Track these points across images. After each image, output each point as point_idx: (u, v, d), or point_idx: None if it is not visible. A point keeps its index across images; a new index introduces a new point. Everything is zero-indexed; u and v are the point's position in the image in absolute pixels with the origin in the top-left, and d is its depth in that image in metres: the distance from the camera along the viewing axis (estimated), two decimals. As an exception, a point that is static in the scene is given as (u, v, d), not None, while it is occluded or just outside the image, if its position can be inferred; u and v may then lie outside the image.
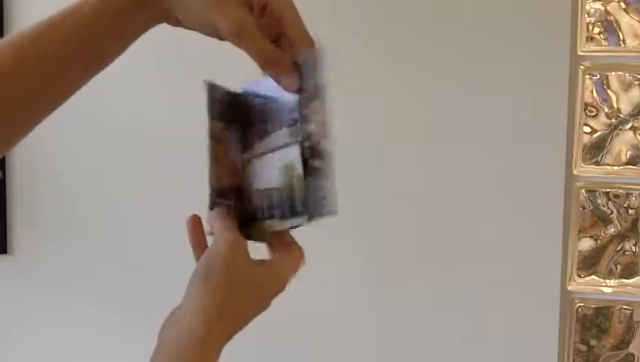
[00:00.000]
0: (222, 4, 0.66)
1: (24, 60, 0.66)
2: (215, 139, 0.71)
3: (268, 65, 0.68)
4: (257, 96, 0.72)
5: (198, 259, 0.69)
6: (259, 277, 0.67)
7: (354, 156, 1.48)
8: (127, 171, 1.61)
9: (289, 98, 0.70)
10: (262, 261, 0.69)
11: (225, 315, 0.64)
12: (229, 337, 0.65)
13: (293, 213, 0.68)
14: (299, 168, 0.67)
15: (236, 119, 0.72)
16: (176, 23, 0.69)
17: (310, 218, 0.67)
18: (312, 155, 0.67)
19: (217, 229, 0.68)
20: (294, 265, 0.70)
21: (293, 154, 0.68)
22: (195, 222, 0.71)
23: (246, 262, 0.67)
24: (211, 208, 0.71)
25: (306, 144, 0.68)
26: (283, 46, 0.71)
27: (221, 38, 0.67)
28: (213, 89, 0.72)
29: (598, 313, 1.51)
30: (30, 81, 0.67)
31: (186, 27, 0.69)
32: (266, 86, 0.70)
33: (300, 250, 0.71)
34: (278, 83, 0.69)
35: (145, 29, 0.69)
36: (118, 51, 0.70)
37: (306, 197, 0.67)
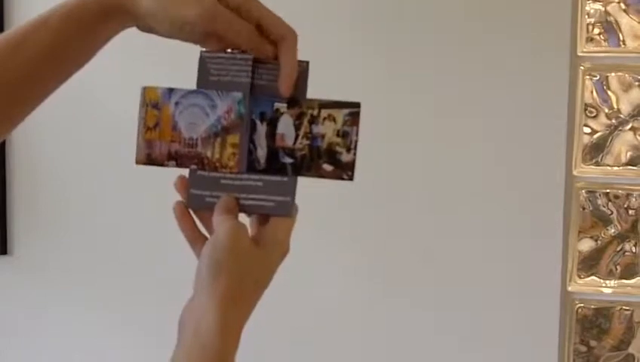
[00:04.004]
0: (189, 1, 0.66)
1: None
2: (151, 105, 0.73)
3: (250, 43, 0.69)
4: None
5: (197, 251, 0.69)
6: (264, 253, 0.68)
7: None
8: (128, 172, 1.61)
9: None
10: (262, 234, 0.70)
11: (239, 302, 0.65)
12: (247, 319, 0.67)
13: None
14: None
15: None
16: (148, 29, 0.69)
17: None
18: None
19: (216, 220, 0.69)
20: (291, 225, 0.71)
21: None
22: (182, 216, 0.72)
23: (249, 246, 0.68)
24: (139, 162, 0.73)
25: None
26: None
27: (196, 41, 0.67)
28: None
29: (598, 314, 1.51)
30: None
31: (159, 34, 0.69)
32: None
33: None
34: (260, 56, 0.70)
35: (113, 36, 0.70)
36: (89, 57, 0.71)
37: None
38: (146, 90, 0.74)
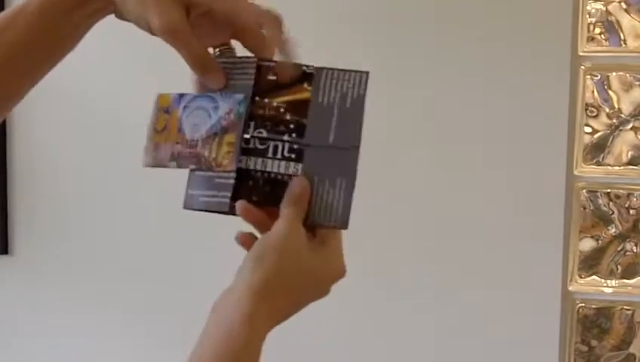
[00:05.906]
0: (158, 3, 0.65)
1: None
2: (162, 110, 0.73)
3: (197, 66, 0.68)
4: None
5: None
6: (316, 264, 0.68)
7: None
8: (127, 172, 1.61)
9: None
10: (320, 245, 0.68)
11: (273, 299, 0.65)
12: (278, 321, 0.67)
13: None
14: None
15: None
16: (122, 16, 0.69)
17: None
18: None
19: (281, 215, 0.67)
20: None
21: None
22: (248, 212, 0.69)
23: (300, 250, 0.66)
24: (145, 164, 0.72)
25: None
26: (245, 41, 0.71)
27: (154, 33, 0.67)
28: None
29: (599, 313, 1.50)
30: None
31: (126, 20, 0.69)
32: None
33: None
34: (205, 82, 0.69)
35: (93, 22, 0.70)
36: (70, 46, 0.70)
37: None
38: (159, 97, 0.74)
